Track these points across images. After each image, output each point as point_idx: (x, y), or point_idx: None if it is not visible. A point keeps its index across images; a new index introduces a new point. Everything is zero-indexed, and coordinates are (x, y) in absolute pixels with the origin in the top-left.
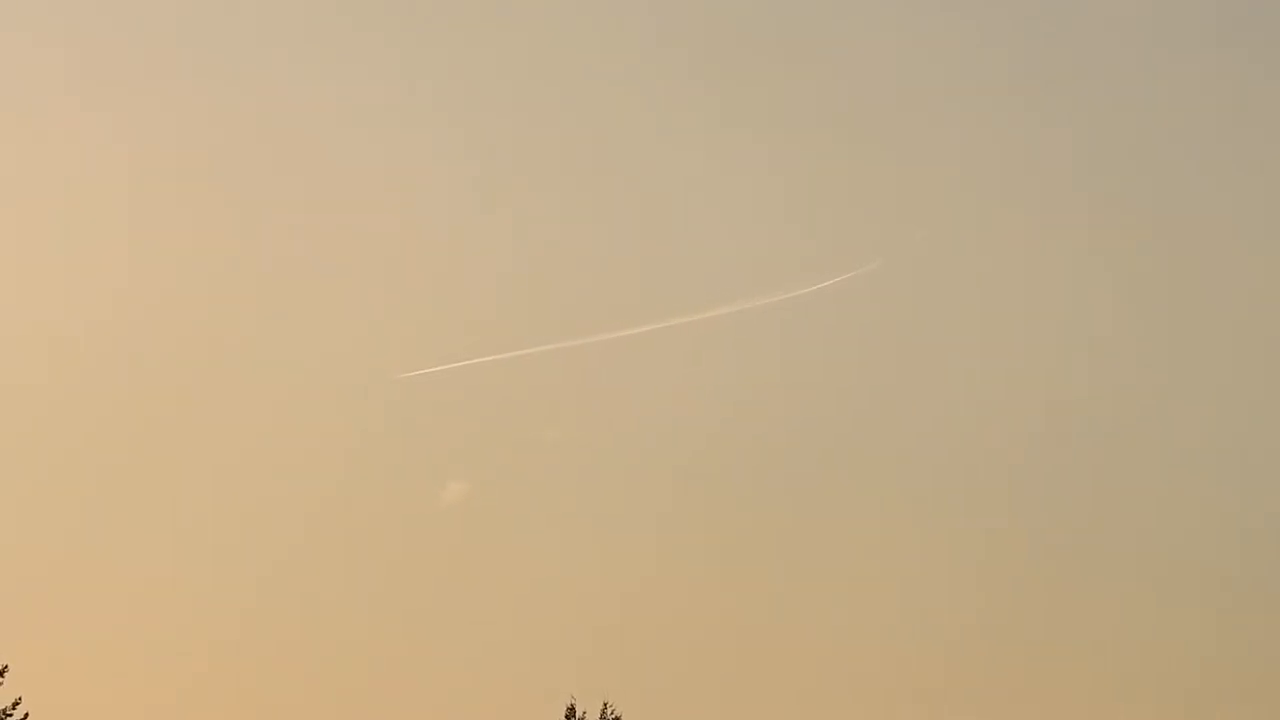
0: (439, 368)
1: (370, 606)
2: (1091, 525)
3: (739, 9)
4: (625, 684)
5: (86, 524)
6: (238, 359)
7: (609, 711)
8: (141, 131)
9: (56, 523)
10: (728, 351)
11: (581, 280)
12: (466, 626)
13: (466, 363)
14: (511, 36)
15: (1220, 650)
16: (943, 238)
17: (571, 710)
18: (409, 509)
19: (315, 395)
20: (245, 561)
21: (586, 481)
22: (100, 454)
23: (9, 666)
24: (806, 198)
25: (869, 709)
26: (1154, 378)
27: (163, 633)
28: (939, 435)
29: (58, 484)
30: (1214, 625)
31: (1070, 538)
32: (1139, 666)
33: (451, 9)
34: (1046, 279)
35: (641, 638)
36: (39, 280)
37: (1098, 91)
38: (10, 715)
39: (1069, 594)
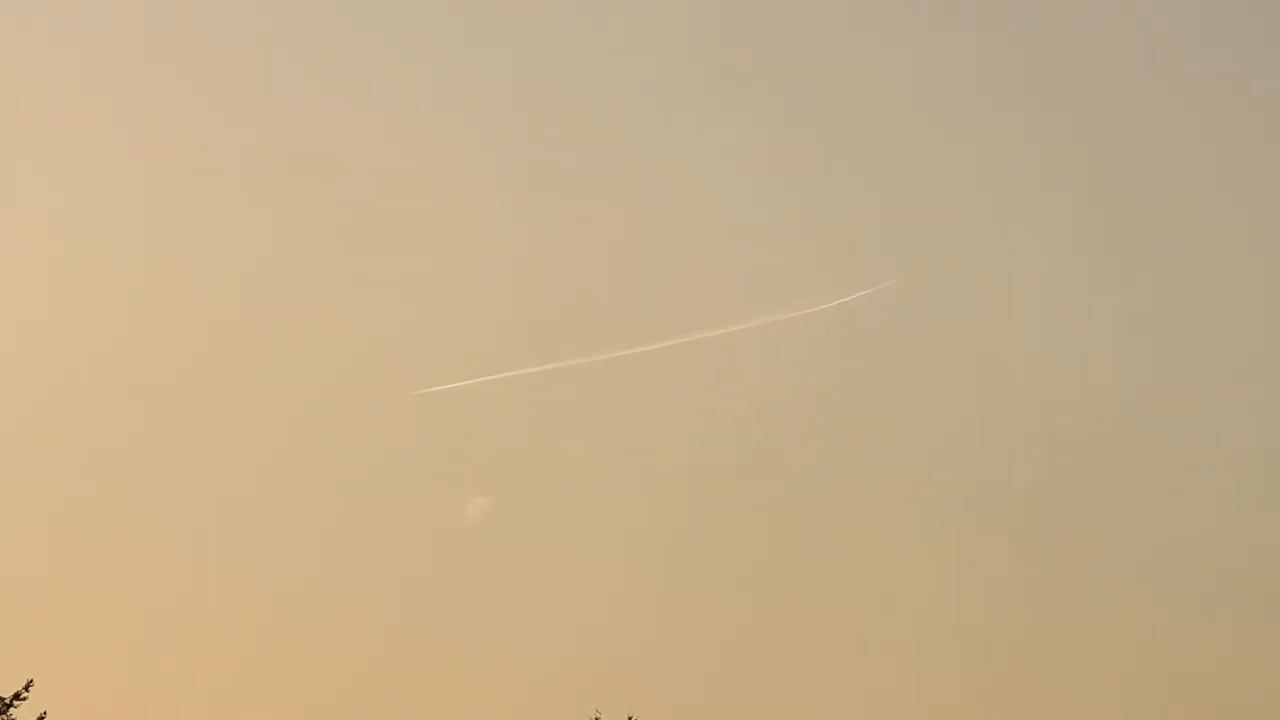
0: (462, 383)
1: (394, 620)
2: (1108, 535)
3: (758, 20)
4: (649, 697)
5: (109, 538)
6: (261, 373)
7: None
8: (164, 139)
9: (78, 538)
10: (749, 366)
11: (603, 295)
12: (491, 640)
13: (490, 378)
14: (533, 51)
15: (1237, 655)
16: (960, 251)
17: None
18: (433, 523)
19: (338, 410)
20: (268, 575)
21: (609, 496)
22: (123, 467)
23: (34, 681)
24: (827, 212)
25: (888, 717)
26: (1171, 388)
27: (187, 647)
28: (956, 448)
29: (78, 500)
30: (1231, 631)
31: (1087, 548)
32: (1154, 670)
33: (475, 20)
34: (1065, 292)
35: (665, 651)
36: (61, 292)
37: (1121, 99)
38: None
39: (1086, 602)
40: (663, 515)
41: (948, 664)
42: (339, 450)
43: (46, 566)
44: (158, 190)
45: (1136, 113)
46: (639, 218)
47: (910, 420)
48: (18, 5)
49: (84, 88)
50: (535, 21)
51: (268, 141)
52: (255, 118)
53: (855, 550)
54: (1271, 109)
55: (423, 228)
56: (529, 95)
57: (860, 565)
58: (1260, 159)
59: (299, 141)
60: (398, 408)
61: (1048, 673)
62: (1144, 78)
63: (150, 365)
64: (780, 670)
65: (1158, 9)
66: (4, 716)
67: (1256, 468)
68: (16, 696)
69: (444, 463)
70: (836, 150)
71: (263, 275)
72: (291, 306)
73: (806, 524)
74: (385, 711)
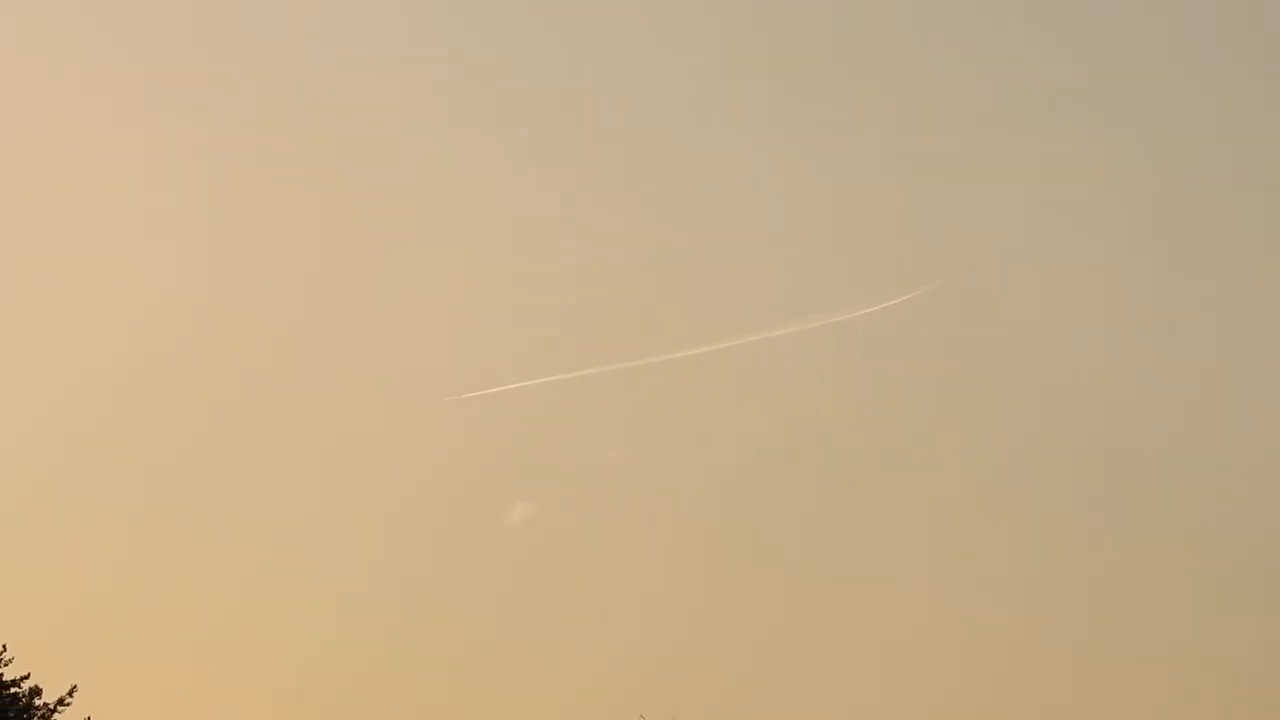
0: (503, 388)
1: (437, 625)
2: (1137, 540)
3: (800, 29)
4: (690, 700)
5: (155, 542)
6: (305, 379)
7: None
8: (217, 141)
9: (127, 547)
10: (786, 372)
11: (643, 302)
12: (533, 645)
13: (529, 383)
14: (579, 60)
15: (1270, 656)
16: (994, 260)
17: None
18: (476, 529)
19: (382, 416)
20: (314, 580)
21: (647, 500)
22: (172, 472)
23: (78, 686)
24: (862, 221)
25: (919, 716)
26: (1204, 393)
27: (231, 658)
28: (988, 455)
29: (123, 506)
30: (1263, 633)
31: (1117, 552)
32: (1185, 672)
33: (523, 28)
34: (1099, 301)
35: (706, 654)
36: (108, 302)
37: (1154, 111)
38: None
39: (1118, 610)
40: (700, 519)
41: (980, 666)
42: (386, 456)
43: (94, 570)
44: (211, 190)
45: (1169, 123)
46: (677, 225)
47: (942, 425)
48: (94, 5)
49: (145, 94)
50: (582, 30)
51: (319, 143)
52: (308, 119)
53: (888, 552)
54: None
55: (465, 235)
56: (573, 104)
57: (893, 567)
58: None
59: (349, 144)
60: (444, 413)
61: (1078, 673)
62: (1179, 91)
63: (197, 368)
64: (816, 670)
65: (1194, 21)
66: None
67: None
68: (60, 702)
69: (488, 468)
70: (873, 160)
71: (312, 284)
72: (336, 312)
73: (840, 527)
74: (430, 713)
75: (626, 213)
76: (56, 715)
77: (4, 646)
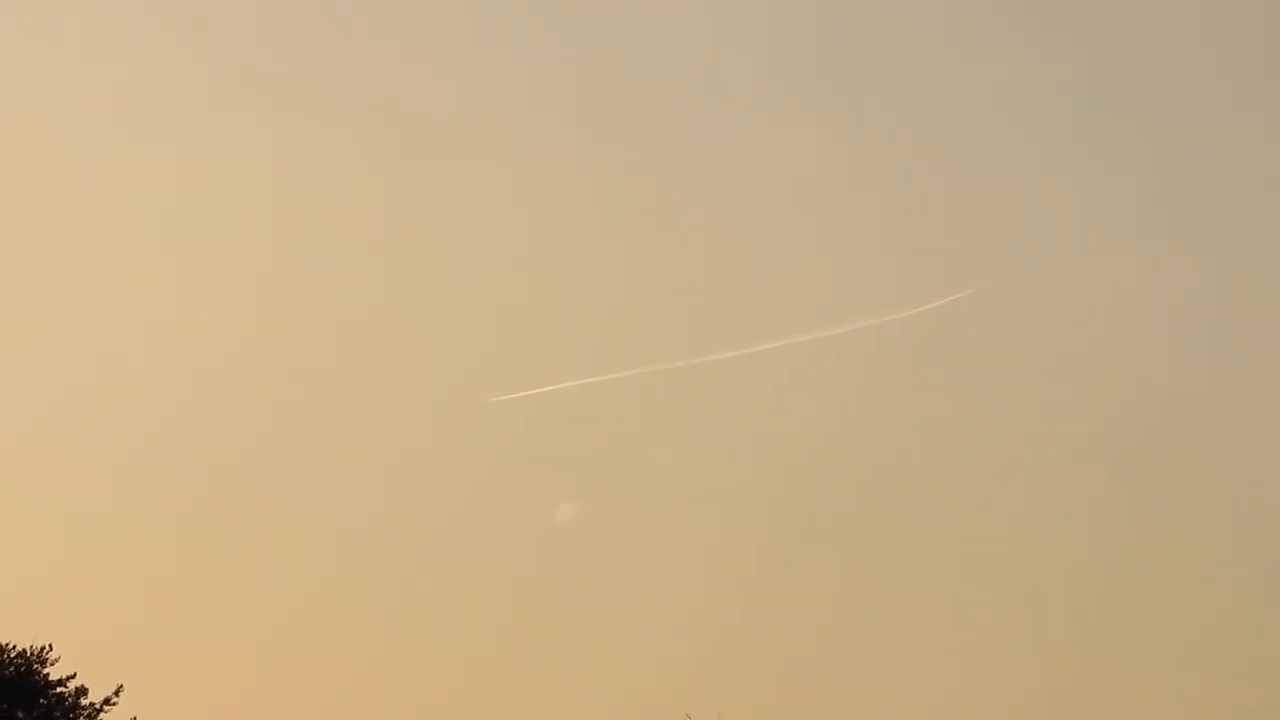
0: (551, 388)
1: (486, 625)
2: (1189, 541)
3: (849, 30)
4: (736, 700)
5: (205, 550)
6: (354, 382)
7: None
8: (275, 140)
9: (175, 547)
10: (832, 374)
11: (690, 302)
12: (580, 644)
13: (578, 383)
14: (627, 57)
15: None
16: (1037, 262)
17: None
18: (523, 528)
19: (432, 416)
20: (364, 580)
21: (693, 500)
22: (225, 475)
23: (124, 686)
24: (907, 223)
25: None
26: (1248, 398)
27: (277, 657)
28: (1032, 456)
29: (173, 514)
30: None
31: (1166, 556)
32: (1224, 675)
33: (573, 31)
34: (1144, 302)
35: (751, 654)
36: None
37: (1194, 109)
38: None
39: (1164, 608)
40: (745, 519)
41: (1020, 667)
42: (432, 455)
43: (142, 571)
44: (267, 191)
45: (1209, 120)
46: (725, 226)
47: (986, 426)
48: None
49: (208, 92)
50: (631, 30)
51: (373, 144)
52: (368, 119)
53: (932, 554)
54: None
55: (514, 236)
56: (622, 105)
57: (936, 569)
58: None
59: (402, 145)
60: (487, 413)
61: (1125, 673)
62: (1222, 88)
63: (253, 370)
64: (860, 671)
65: (1238, 24)
66: None
67: None
68: (107, 701)
69: (536, 468)
70: (918, 161)
71: (358, 283)
72: (386, 313)
73: (886, 528)
74: (478, 711)
75: (674, 214)
76: (103, 715)
77: (50, 646)
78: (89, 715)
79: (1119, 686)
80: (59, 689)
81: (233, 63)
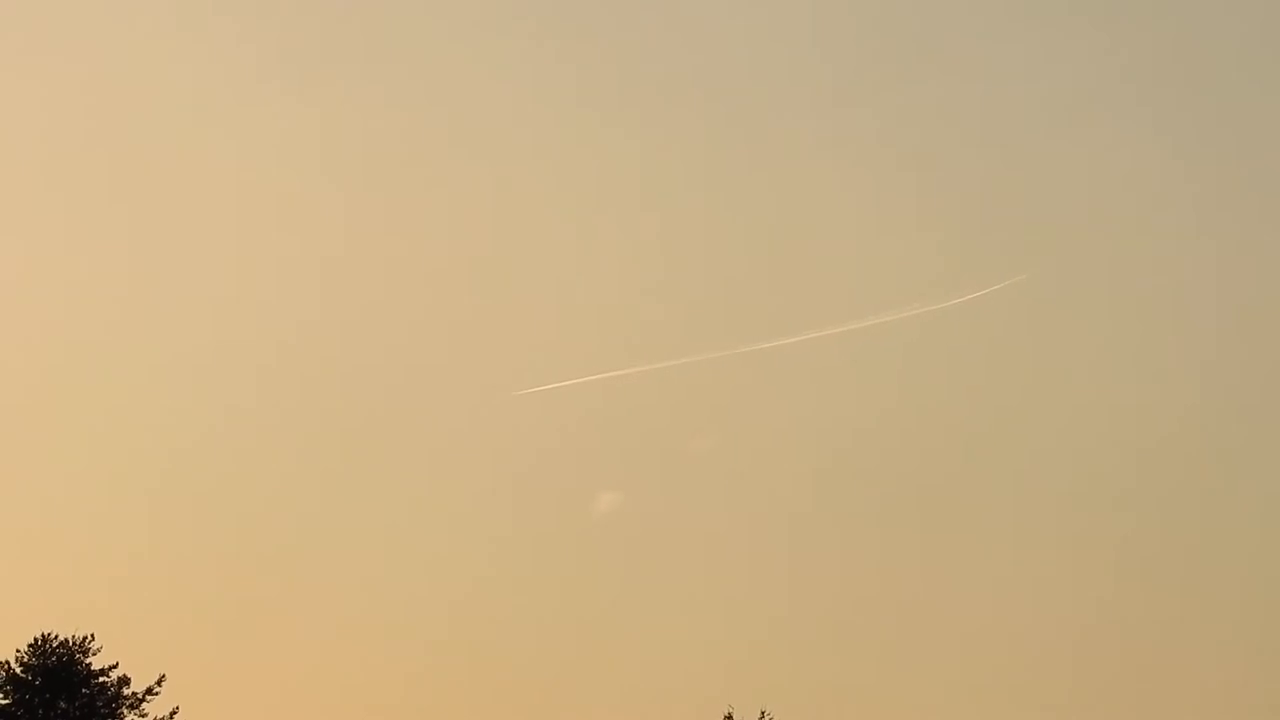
0: (588, 378)
1: (528, 615)
2: (1225, 535)
3: (888, 19)
4: (779, 691)
5: (247, 542)
6: (394, 375)
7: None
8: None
9: (218, 539)
10: (870, 363)
11: (730, 292)
12: (623, 634)
13: (617, 373)
14: (672, 47)
15: None
16: (1085, 250)
17: (729, 719)
18: (564, 518)
19: (474, 406)
20: (406, 572)
21: (736, 491)
22: (272, 467)
23: (166, 676)
24: (948, 212)
25: (1009, 707)
26: None
27: (321, 650)
28: (1074, 445)
29: (217, 505)
30: None
31: (1202, 551)
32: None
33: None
34: (1191, 289)
35: (793, 645)
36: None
37: (1247, 105)
38: None
39: (1202, 599)
40: (787, 508)
41: (1063, 653)
42: (474, 444)
43: (185, 562)
44: (296, 178)
45: (1258, 118)
46: (766, 214)
47: (1030, 412)
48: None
49: (279, 76)
50: (674, 18)
51: (427, 135)
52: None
53: (975, 541)
54: None
55: (557, 229)
56: (666, 97)
57: (981, 556)
58: None
59: (450, 135)
60: (531, 404)
61: (1180, 654)
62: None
63: (299, 354)
64: (904, 661)
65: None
66: (136, 712)
67: None
68: (149, 691)
69: (576, 458)
70: (962, 150)
71: (403, 276)
72: (429, 305)
73: (928, 516)
74: (523, 704)
75: (717, 202)
76: (145, 704)
77: (92, 636)
78: (131, 705)
79: (1160, 671)
80: (101, 679)
81: (297, 44)
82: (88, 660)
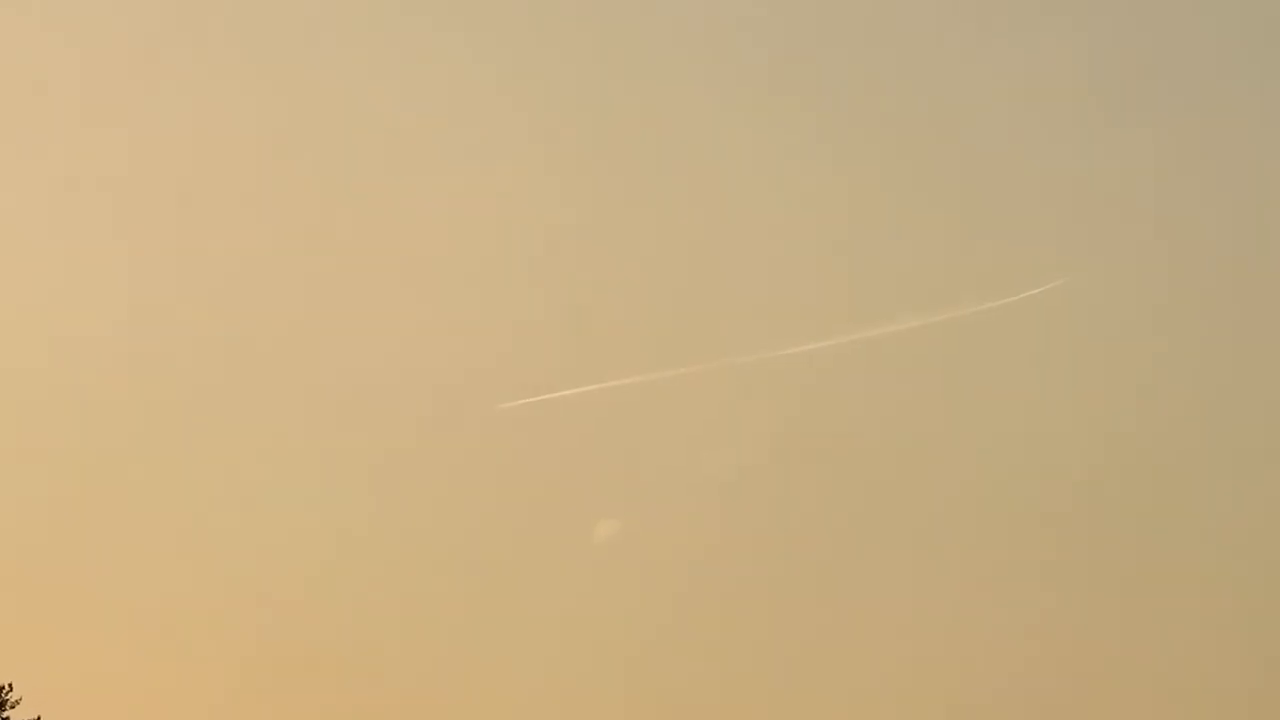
0: (584, 389)
1: (517, 634)
2: (1226, 537)
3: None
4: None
5: (226, 555)
6: (377, 383)
7: None
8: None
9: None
10: (877, 373)
11: (739, 300)
12: (619, 652)
13: (619, 382)
14: (669, 48)
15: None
16: (1114, 257)
17: None
18: (562, 533)
19: (464, 420)
20: (409, 583)
21: (731, 504)
22: (256, 482)
23: (12, 685)
24: (976, 218)
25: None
26: None
27: (301, 671)
28: (1103, 451)
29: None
30: None
31: (1217, 560)
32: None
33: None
34: (1214, 300)
35: (796, 662)
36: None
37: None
38: None
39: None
40: (792, 521)
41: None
42: (465, 459)
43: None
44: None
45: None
46: (779, 219)
47: (1038, 427)
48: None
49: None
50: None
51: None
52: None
53: (1003, 555)
54: None
55: (546, 228)
56: (661, 98)
57: (1008, 571)
58: None
59: (417, 145)
60: (527, 415)
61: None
62: None
63: (288, 362)
64: (916, 680)
65: None
66: None
67: None
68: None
69: (574, 470)
70: (992, 153)
71: (394, 283)
72: (424, 314)
73: (944, 532)
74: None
75: (718, 205)
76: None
77: None
78: None
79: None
80: None
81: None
82: None
